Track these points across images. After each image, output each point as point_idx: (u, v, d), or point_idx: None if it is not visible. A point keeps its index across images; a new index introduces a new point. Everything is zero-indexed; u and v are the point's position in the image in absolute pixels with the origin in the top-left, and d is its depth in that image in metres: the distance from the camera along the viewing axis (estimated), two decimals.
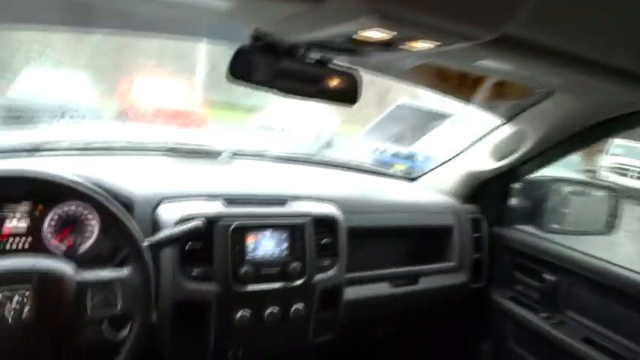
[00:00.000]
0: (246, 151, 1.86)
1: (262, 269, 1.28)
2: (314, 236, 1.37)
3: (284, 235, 1.32)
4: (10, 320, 0.83)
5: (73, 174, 0.97)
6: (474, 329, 1.91)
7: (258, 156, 1.87)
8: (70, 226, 1.21)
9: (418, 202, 1.81)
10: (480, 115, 1.83)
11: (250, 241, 1.27)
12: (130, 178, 1.29)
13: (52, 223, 1.20)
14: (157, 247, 1.08)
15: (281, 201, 1.40)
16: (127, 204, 1.20)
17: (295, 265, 1.31)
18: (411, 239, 1.77)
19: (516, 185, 1.85)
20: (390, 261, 1.67)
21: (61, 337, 0.88)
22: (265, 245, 1.30)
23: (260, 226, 1.29)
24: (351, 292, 1.50)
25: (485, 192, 1.89)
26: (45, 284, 0.88)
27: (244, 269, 1.24)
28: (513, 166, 1.76)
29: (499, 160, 1.78)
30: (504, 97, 1.67)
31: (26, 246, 1.17)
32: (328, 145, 6.74)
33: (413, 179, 2.08)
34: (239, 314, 1.23)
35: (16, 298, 0.84)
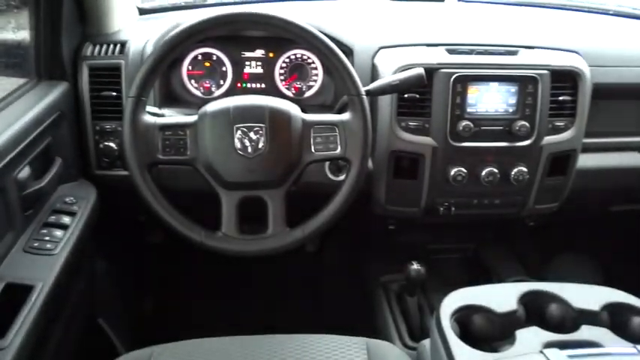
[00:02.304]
0: None
1: (483, 126, 1.17)
2: (549, 92, 1.19)
3: (513, 89, 1.17)
4: (249, 149, 0.94)
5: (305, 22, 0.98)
6: None
7: (490, 1, 1.65)
8: (296, 74, 1.28)
9: None
10: None
11: (473, 93, 1.16)
12: (351, 25, 1.26)
13: (282, 69, 1.28)
14: (374, 94, 1.06)
15: (511, 50, 1.23)
16: (347, 51, 1.19)
17: (522, 123, 1.17)
18: None
19: None
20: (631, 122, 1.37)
21: (290, 169, 0.97)
22: (489, 99, 1.17)
23: (485, 77, 1.16)
24: (587, 160, 1.30)
25: None
26: (275, 120, 0.95)
27: (463, 124, 1.15)
28: None
29: None
30: None
31: (262, 87, 1.29)
32: None
33: None
34: (454, 171, 1.18)
35: (252, 132, 0.94)
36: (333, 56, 0.95)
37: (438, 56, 1.18)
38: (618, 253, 1.68)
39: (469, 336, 0.91)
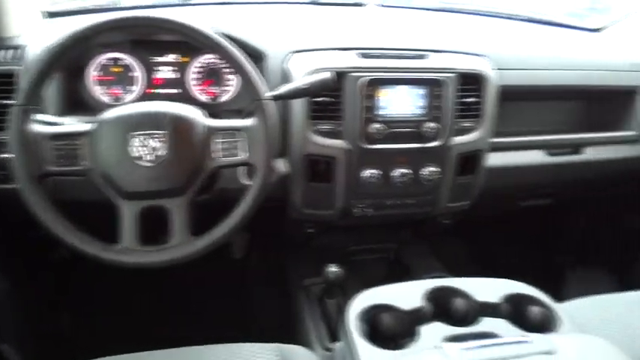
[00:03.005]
0: (394, 2, 1.68)
1: (394, 128, 1.20)
2: (456, 94, 1.23)
3: (421, 92, 1.20)
4: (149, 157, 0.91)
5: (206, 26, 0.96)
6: None
7: (410, 6, 1.69)
8: (212, 79, 1.27)
9: (593, 58, 1.48)
10: None
11: (383, 96, 1.19)
12: (263, 30, 1.26)
13: (195, 74, 1.26)
14: (283, 98, 1.06)
15: (421, 54, 1.26)
16: (258, 56, 1.19)
17: (431, 125, 1.20)
18: (579, 103, 1.50)
19: None
20: (549, 127, 1.45)
21: (194, 176, 0.94)
22: (399, 102, 1.20)
23: (394, 80, 1.19)
24: (495, 159, 1.36)
25: None
26: (177, 127, 0.93)
27: (375, 127, 1.18)
28: None
29: None
30: None
31: (175, 93, 1.26)
32: None
33: (596, 30, 1.70)
34: (366, 173, 1.20)
35: (152, 139, 0.91)
36: (234, 60, 0.94)
37: (349, 60, 1.20)
38: (529, 246, 1.76)
39: (378, 335, 0.93)
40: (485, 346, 0.87)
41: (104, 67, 1.21)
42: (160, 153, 0.92)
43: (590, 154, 1.46)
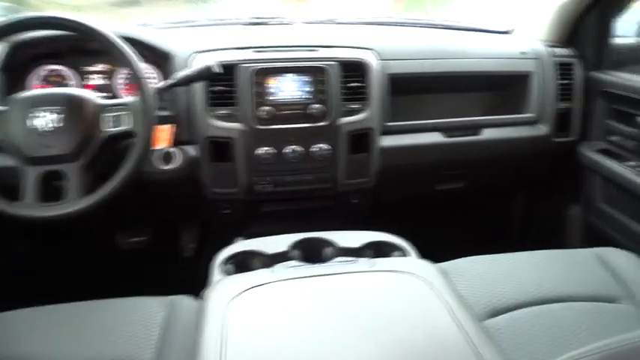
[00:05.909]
0: (320, 19, 1.89)
1: (283, 110, 1.37)
2: (340, 80, 1.40)
3: (306, 79, 1.38)
4: (46, 128, 1.12)
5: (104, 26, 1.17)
6: (554, 189, 1.72)
7: (332, 22, 1.89)
8: (135, 84, 1.48)
9: (487, 48, 1.63)
10: None
11: (272, 84, 1.37)
12: (170, 35, 1.47)
13: (121, 80, 1.48)
14: (174, 86, 1.27)
15: (312, 49, 1.44)
16: (165, 56, 1.40)
17: (316, 106, 1.37)
18: (477, 90, 1.63)
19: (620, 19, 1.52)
20: (448, 112, 1.58)
21: (85, 144, 1.14)
22: (287, 88, 1.38)
23: (281, 69, 1.37)
24: (392, 140, 1.50)
25: (581, 30, 1.60)
26: (70, 104, 1.14)
27: (264, 109, 1.35)
28: None
29: None
30: None
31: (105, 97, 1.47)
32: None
33: (507, 32, 1.85)
34: (261, 150, 1.37)
35: (49, 112, 1.12)
36: (114, 47, 1.15)
37: (243, 55, 1.39)
38: (451, 228, 1.84)
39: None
40: (312, 266, 0.99)
41: (44, 78, 1.45)
42: (55, 124, 1.12)
43: (490, 134, 1.58)
